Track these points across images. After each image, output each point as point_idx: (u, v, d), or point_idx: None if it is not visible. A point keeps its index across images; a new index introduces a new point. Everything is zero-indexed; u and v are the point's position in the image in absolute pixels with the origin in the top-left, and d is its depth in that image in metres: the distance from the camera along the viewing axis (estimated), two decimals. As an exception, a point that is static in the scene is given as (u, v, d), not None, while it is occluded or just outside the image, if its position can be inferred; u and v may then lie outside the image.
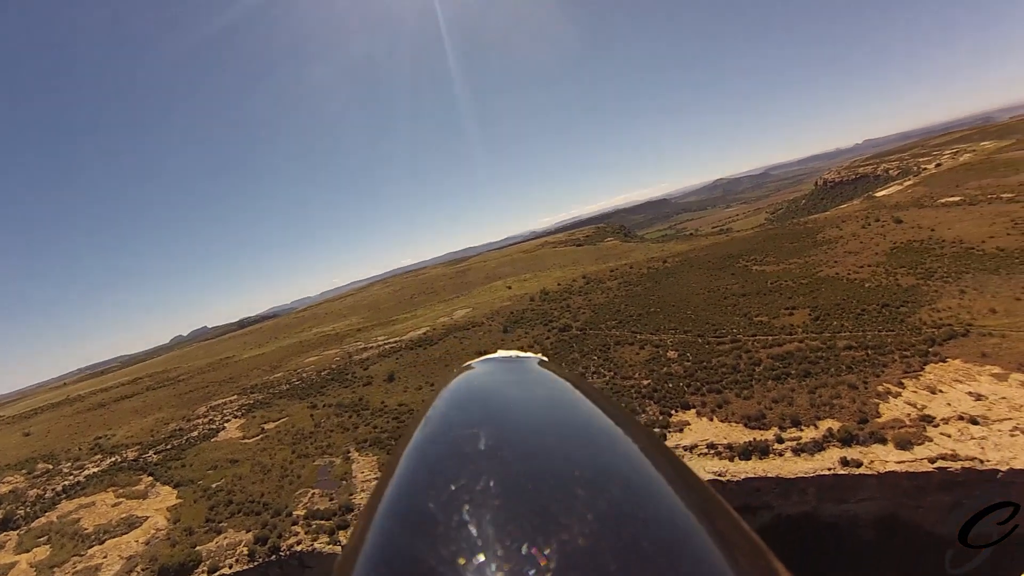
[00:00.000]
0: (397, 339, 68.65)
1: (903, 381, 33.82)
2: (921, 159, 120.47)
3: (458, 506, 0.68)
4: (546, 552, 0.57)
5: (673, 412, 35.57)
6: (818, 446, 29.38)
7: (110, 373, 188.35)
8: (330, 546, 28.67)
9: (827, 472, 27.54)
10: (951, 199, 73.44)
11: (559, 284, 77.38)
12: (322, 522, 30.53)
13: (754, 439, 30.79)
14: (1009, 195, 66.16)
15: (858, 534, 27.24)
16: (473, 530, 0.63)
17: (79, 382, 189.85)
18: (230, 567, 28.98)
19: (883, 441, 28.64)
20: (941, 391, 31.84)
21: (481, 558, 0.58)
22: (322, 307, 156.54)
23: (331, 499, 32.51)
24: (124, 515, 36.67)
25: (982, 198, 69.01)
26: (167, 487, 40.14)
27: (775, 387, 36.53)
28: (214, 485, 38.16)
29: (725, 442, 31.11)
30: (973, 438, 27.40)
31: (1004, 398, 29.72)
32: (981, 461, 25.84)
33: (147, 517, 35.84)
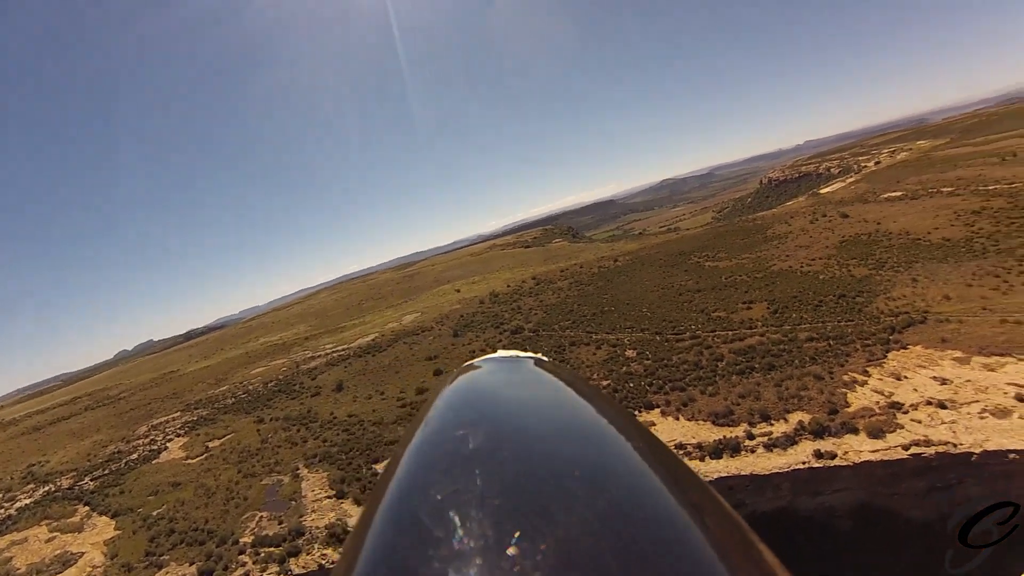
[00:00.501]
0: (345, 347, 67.64)
1: (868, 369, 33.71)
2: (861, 157, 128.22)
3: (456, 510, 0.70)
4: (544, 553, 0.59)
5: (637, 413, 34.13)
6: (790, 440, 28.46)
7: (49, 393, 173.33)
8: None
9: (802, 466, 26.57)
10: (893, 194, 77.15)
11: (508, 286, 77.06)
12: (271, 549, 28.68)
13: (724, 436, 29.55)
14: (949, 189, 70.04)
15: (835, 525, 26.63)
16: (472, 534, 0.64)
17: (15, 404, 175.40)
18: (172, 606, 26.55)
19: (855, 431, 28.05)
20: (906, 377, 31.81)
21: (479, 561, 0.60)
22: (269, 316, 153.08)
23: (280, 522, 30.88)
24: (58, 551, 34.53)
25: (923, 192, 72.76)
26: (104, 517, 37.98)
27: (740, 382, 35.71)
28: (155, 513, 36.28)
29: (694, 441, 29.67)
30: (944, 422, 27.19)
31: (969, 381, 29.90)
32: (954, 445, 25.61)
33: (83, 553, 33.64)
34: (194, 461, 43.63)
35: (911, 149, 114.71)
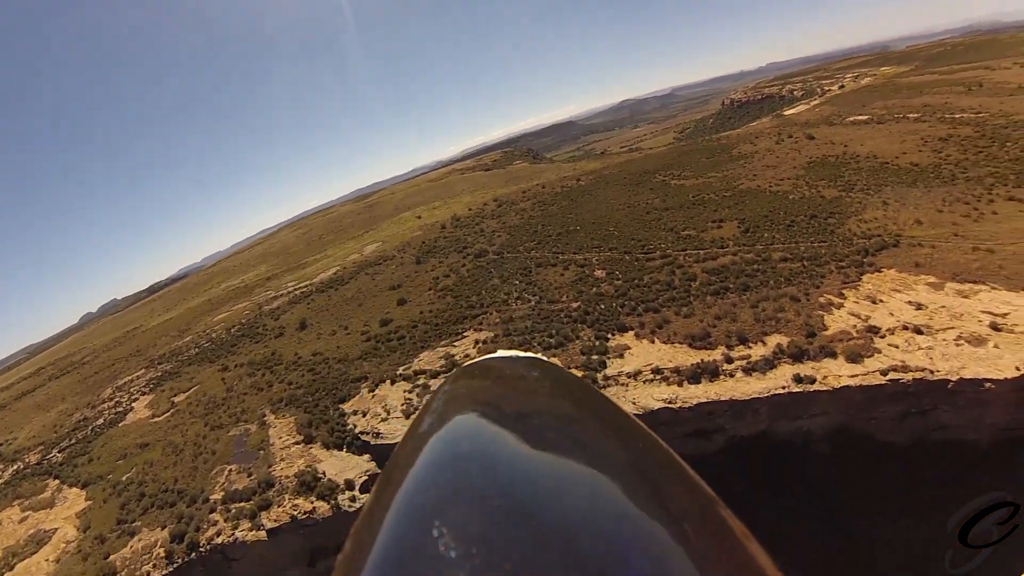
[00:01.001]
0: (308, 283, 67.64)
1: (843, 292, 33.46)
2: (824, 81, 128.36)
3: (449, 532, 0.72)
4: (540, 557, 0.65)
5: (610, 336, 33.06)
6: (769, 364, 27.91)
7: (15, 368, 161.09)
8: (253, 532, 26.74)
9: (781, 391, 26.20)
10: (859, 118, 77.03)
11: (470, 209, 75.85)
12: (242, 504, 28.42)
13: (702, 360, 28.62)
14: (915, 115, 70.40)
15: (812, 449, 27.17)
16: (471, 539, 0.68)
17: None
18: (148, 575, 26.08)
19: (833, 355, 27.80)
20: (882, 301, 31.73)
21: (478, 564, 0.65)
22: (231, 260, 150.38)
23: (249, 475, 30.56)
24: (32, 531, 33.73)
25: (889, 117, 72.92)
26: (75, 489, 37.33)
27: (715, 303, 34.75)
28: (124, 478, 35.80)
29: (671, 366, 28.59)
30: (920, 348, 27.29)
31: (943, 307, 30.08)
32: (931, 372, 25.81)
33: (55, 529, 33.04)
34: (160, 419, 43.31)
35: (875, 75, 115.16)
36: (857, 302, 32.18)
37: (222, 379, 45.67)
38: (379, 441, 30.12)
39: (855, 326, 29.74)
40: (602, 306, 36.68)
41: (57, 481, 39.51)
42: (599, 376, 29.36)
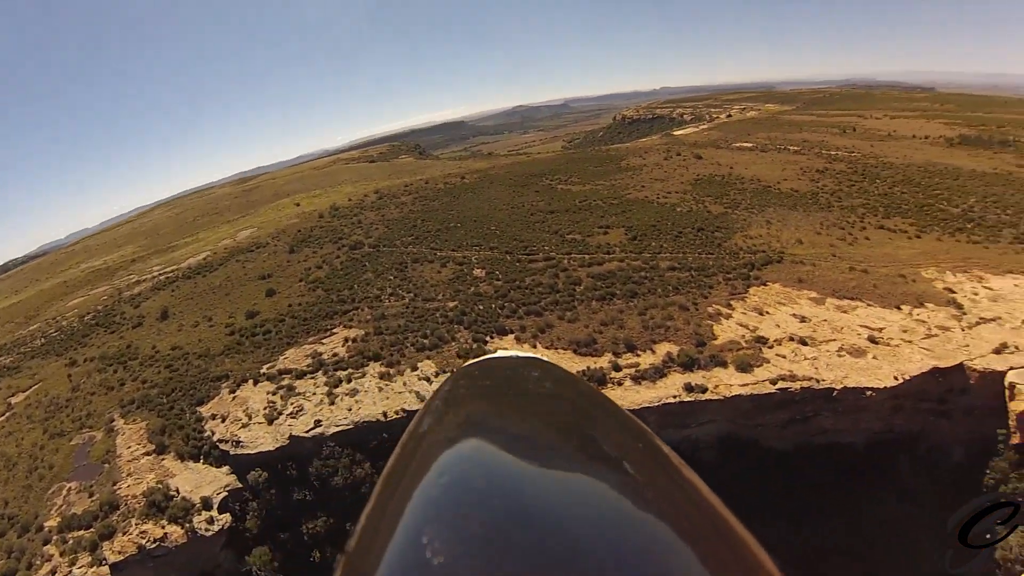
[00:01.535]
0: (174, 268, 69.06)
1: (731, 303, 36.26)
2: (713, 109, 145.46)
3: (450, 533, 0.80)
4: (538, 559, 0.71)
5: (488, 339, 33.31)
6: (659, 372, 28.88)
7: None
8: (93, 569, 25.37)
9: (673, 400, 27.08)
10: (744, 144, 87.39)
11: (350, 200, 79.87)
12: (80, 533, 26.97)
13: (588, 367, 28.95)
14: (795, 148, 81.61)
15: (699, 457, 28.40)
16: (471, 540, 0.75)
17: None
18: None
19: (723, 364, 29.56)
20: (768, 313, 34.84)
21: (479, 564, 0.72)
22: (96, 239, 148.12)
23: (91, 494, 29.50)
24: None
25: (772, 147, 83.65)
26: None
27: (601, 308, 35.65)
28: None
29: (551, 370, 28.13)
30: (806, 358, 30.12)
31: (825, 320, 33.80)
32: (817, 381, 28.54)
33: None
34: None
35: (760, 109, 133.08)
36: (745, 313, 34.99)
37: (68, 375, 44.91)
38: (239, 451, 29.47)
39: (744, 336, 32.13)
40: (480, 307, 37.03)
41: None
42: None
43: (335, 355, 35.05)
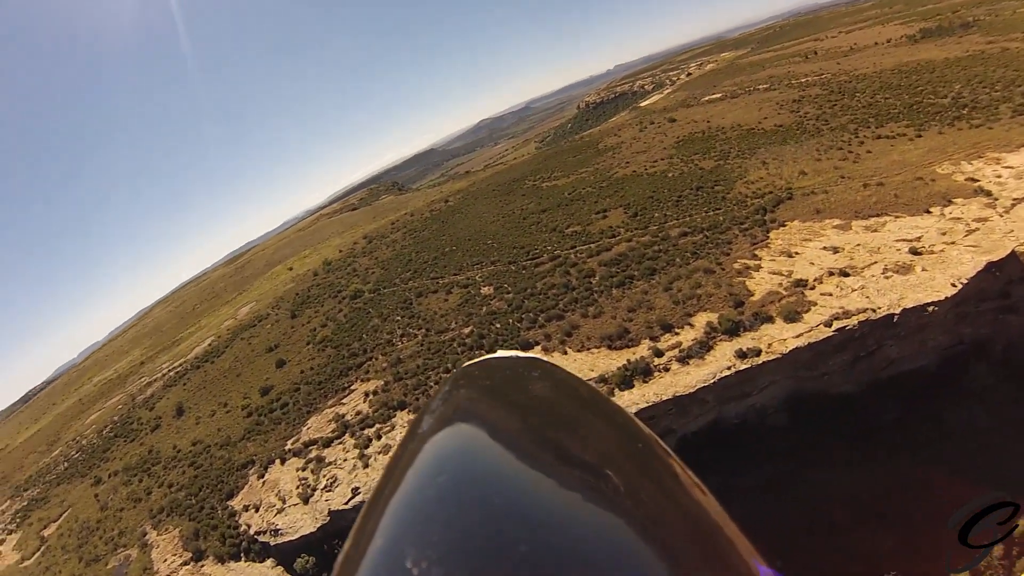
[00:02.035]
0: (182, 360, 68.58)
1: (756, 253, 33.64)
2: (671, 73, 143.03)
3: (448, 533, 0.79)
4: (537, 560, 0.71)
5: None
6: (704, 346, 26.27)
7: None
8: None
9: (728, 372, 24.45)
10: (714, 96, 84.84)
11: (341, 251, 79.39)
12: None
13: (628, 361, 26.36)
14: (765, 86, 78.96)
15: (768, 424, 26.06)
16: (470, 541, 0.76)
17: None
18: None
19: (770, 319, 26.96)
20: (797, 253, 32.18)
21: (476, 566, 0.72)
22: (104, 349, 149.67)
23: None
24: None
25: (741, 92, 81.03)
26: None
27: (624, 295, 33.16)
28: None
29: (594, 375, 26.00)
30: (853, 290, 27.47)
31: (859, 245, 31.11)
32: (873, 310, 25.92)
33: None
34: (30, 561, 40.71)
35: (717, 60, 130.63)
36: (774, 260, 32.35)
37: (95, 496, 43.86)
38: (280, 539, 27.42)
39: (781, 284, 29.49)
40: (497, 325, 35.10)
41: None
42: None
43: (359, 413, 33.01)
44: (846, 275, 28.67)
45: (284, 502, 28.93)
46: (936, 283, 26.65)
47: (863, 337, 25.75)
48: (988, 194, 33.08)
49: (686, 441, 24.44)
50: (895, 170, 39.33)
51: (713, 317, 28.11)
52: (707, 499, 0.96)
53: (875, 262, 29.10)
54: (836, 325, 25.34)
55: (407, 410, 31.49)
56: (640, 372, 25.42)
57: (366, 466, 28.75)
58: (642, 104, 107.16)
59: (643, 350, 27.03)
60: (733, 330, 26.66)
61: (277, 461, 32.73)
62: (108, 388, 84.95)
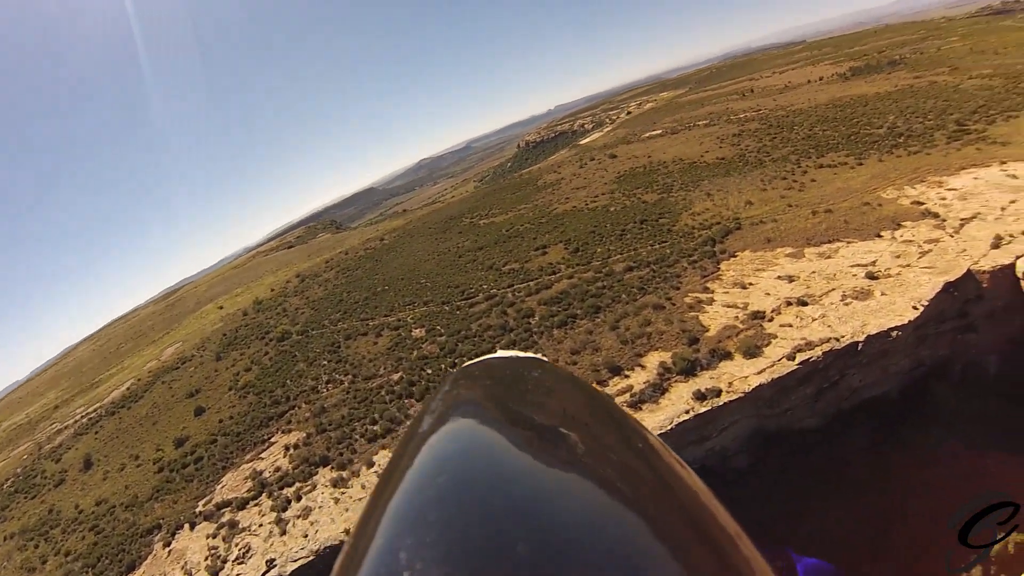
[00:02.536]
0: (98, 405, 65.78)
1: (707, 286, 32.32)
2: (611, 112, 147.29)
3: (448, 533, 0.82)
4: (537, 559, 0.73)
5: None
6: (658, 388, 24.22)
7: None
8: None
9: (687, 416, 22.22)
10: (654, 132, 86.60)
11: (273, 290, 79.33)
12: None
13: (571, 406, 23.64)
14: (704, 122, 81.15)
15: (731, 467, 24.46)
16: (467, 554, 0.77)
17: None
18: None
19: (728, 356, 25.23)
20: (751, 284, 30.99)
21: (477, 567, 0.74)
22: (19, 392, 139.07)
23: None
24: None
25: (681, 128, 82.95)
26: None
27: (566, 335, 31.06)
28: None
29: (531, 424, 23.09)
30: (814, 319, 26.23)
31: (814, 272, 30.23)
32: (837, 339, 24.76)
33: None
34: None
35: (656, 99, 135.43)
36: (727, 292, 31.01)
37: None
38: None
39: (737, 317, 27.97)
40: (429, 371, 33.40)
41: None
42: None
43: (278, 469, 30.16)
44: (804, 304, 27.49)
45: (191, 576, 24.97)
46: (897, 307, 25.88)
47: (826, 368, 24.48)
48: (936, 216, 33.45)
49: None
50: (841, 196, 39.50)
51: (666, 356, 26.17)
52: (708, 499, 0.97)
53: (833, 289, 28.14)
54: (800, 357, 23.84)
55: (330, 467, 28.67)
56: (586, 421, 23.03)
57: (283, 533, 25.19)
58: (582, 142, 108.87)
59: (590, 396, 24.72)
60: (689, 370, 24.72)
61: (186, 526, 29.64)
62: (16, 435, 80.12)
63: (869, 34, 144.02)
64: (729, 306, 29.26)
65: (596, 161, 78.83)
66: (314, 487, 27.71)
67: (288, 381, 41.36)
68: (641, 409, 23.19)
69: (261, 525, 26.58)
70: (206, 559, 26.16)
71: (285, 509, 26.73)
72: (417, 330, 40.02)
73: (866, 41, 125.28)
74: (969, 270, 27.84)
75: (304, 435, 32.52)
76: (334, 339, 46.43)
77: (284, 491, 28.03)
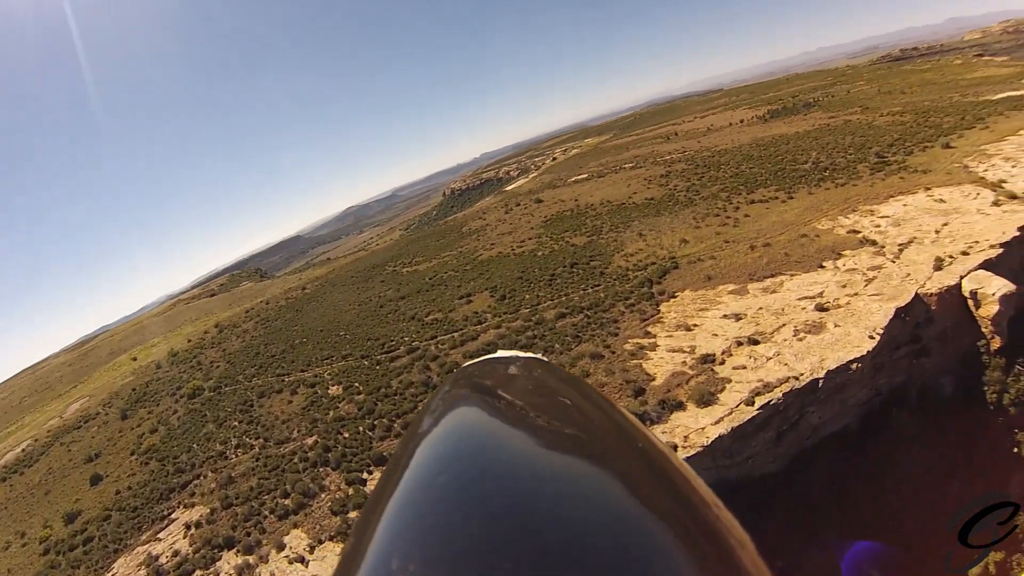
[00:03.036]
0: None
1: (649, 330, 30.47)
2: (537, 159, 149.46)
3: (448, 532, 0.84)
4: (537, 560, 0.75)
5: (366, 474, 27.95)
6: (602, 447, 21.51)
7: None
8: None
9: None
10: (580, 176, 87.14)
11: (190, 341, 77.28)
12: None
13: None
14: (630, 165, 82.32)
15: None
16: (471, 544, 0.79)
17: None
18: None
19: (680, 406, 23.30)
20: (696, 325, 29.40)
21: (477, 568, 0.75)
22: None
23: None
24: None
25: (607, 171, 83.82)
26: None
27: (496, 392, 28.27)
28: None
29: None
30: (768, 358, 24.79)
31: (761, 308, 29.07)
32: (796, 378, 23.56)
33: None
34: None
35: (582, 145, 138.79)
36: (671, 335, 29.21)
37: None
38: None
39: (685, 363, 26.12)
40: (346, 435, 31.84)
41: None
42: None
43: (176, 554, 27.28)
44: (756, 343, 26.04)
45: None
46: (852, 338, 25.13)
47: (785, 409, 22.87)
48: (874, 243, 33.92)
49: None
50: (777, 230, 39.28)
51: (609, 409, 23.81)
52: (708, 498, 0.98)
53: (783, 324, 26.91)
54: (759, 401, 22.15)
55: (235, 550, 25.73)
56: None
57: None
58: (508, 188, 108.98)
59: (523, 462, 21.87)
60: (636, 423, 22.38)
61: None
62: None
63: (782, 81, 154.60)
64: (675, 350, 27.41)
65: (522, 207, 78.06)
66: (217, 574, 24.84)
67: (195, 445, 39.42)
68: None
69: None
70: None
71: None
72: (334, 387, 38.42)
73: (780, 88, 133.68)
74: (917, 294, 28.04)
75: (208, 510, 30.24)
76: (247, 397, 44.86)
77: (182, 582, 24.60)
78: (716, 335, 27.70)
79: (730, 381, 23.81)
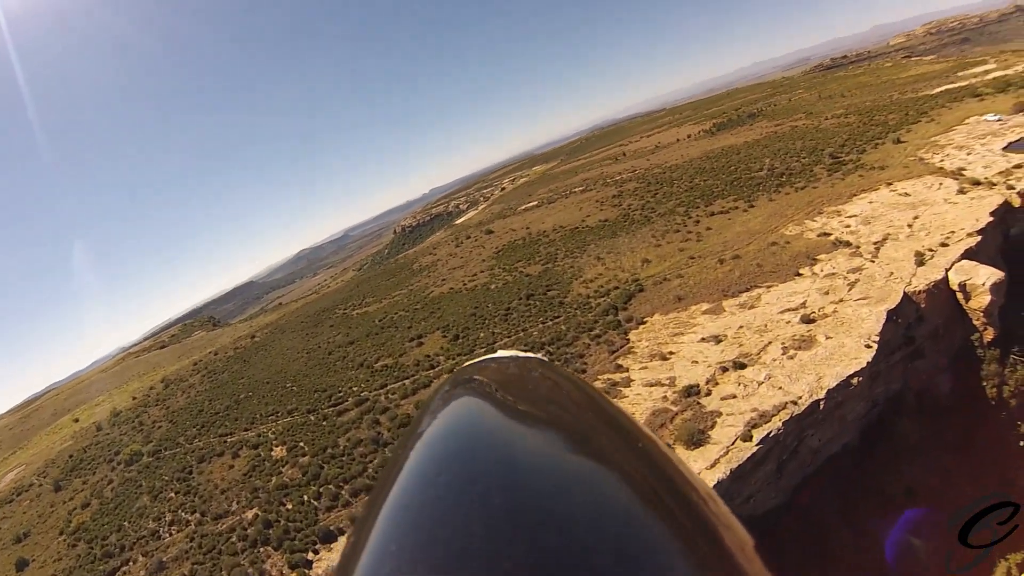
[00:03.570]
0: None
1: (620, 363, 27.90)
2: (486, 190, 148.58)
3: (448, 531, 0.85)
4: (538, 559, 0.75)
5: (311, 554, 25.72)
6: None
7: None
8: None
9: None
10: (530, 204, 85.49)
11: (135, 398, 75.86)
12: None
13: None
14: (580, 188, 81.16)
15: None
16: (472, 544, 0.79)
17: None
18: None
19: (668, 448, 20.15)
20: (673, 352, 26.89)
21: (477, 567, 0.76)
22: None
23: None
24: None
25: (558, 196, 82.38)
26: None
27: (453, 446, 25.14)
28: None
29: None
30: (760, 383, 22.30)
31: (742, 327, 26.83)
32: (794, 402, 21.10)
33: None
34: None
35: (530, 173, 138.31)
36: (645, 367, 26.58)
37: None
38: None
39: (666, 397, 23.47)
40: (289, 505, 30.19)
41: None
42: None
43: None
44: (742, 367, 23.62)
45: None
46: (847, 349, 23.11)
47: (784, 437, 20.39)
48: (847, 244, 32.63)
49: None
50: (744, 240, 37.47)
51: (585, 459, 20.87)
52: (709, 498, 0.99)
53: (769, 343, 24.63)
54: (757, 435, 19.61)
55: None
56: None
57: None
58: (458, 222, 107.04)
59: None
60: (619, 474, 19.47)
61: None
62: None
63: (723, 96, 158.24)
64: (652, 384, 24.78)
65: (472, 239, 75.89)
66: None
67: (126, 522, 37.46)
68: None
69: None
70: None
71: None
72: (278, 448, 36.53)
73: (722, 102, 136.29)
74: (906, 293, 26.45)
75: (135, 609, 26.69)
76: (186, 462, 43.12)
77: None
78: (696, 362, 25.22)
79: (720, 414, 21.21)
